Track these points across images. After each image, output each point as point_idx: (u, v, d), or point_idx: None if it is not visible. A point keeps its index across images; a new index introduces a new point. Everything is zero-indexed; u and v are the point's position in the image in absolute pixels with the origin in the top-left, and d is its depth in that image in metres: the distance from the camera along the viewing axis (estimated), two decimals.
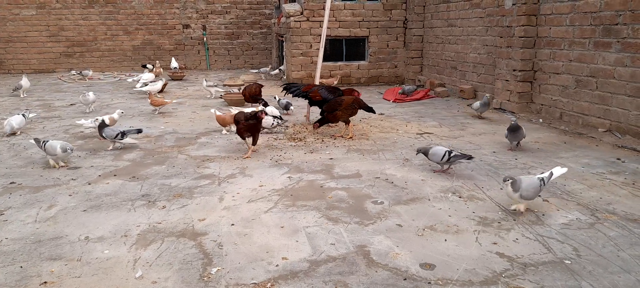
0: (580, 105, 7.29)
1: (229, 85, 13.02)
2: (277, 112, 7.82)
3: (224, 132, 7.25)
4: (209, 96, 11.02)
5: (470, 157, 5.24)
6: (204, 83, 11.07)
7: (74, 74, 15.17)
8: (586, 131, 6.99)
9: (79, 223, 4.04)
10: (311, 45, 12.44)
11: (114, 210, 4.30)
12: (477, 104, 8.08)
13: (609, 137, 6.62)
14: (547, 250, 3.46)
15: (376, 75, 12.80)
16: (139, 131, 6.74)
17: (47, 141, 5.57)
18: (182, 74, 14.49)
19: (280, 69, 14.78)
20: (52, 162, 5.60)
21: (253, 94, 8.88)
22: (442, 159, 5.13)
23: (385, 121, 8.19)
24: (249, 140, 6.06)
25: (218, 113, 7.07)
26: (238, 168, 5.55)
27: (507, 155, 5.97)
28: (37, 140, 5.71)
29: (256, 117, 5.90)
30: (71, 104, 10.16)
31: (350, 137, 6.88)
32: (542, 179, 4.10)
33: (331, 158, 5.90)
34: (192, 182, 5.08)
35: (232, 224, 3.96)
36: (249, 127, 5.93)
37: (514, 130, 6.09)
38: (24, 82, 11.10)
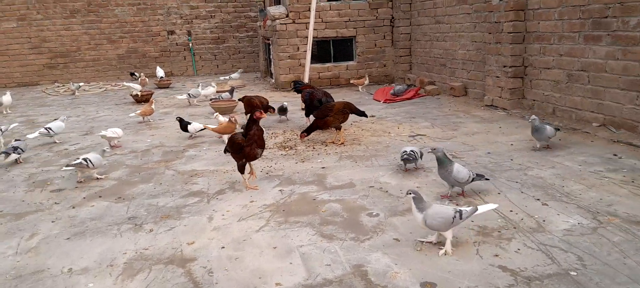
0: (573, 100, 7.20)
1: (218, 92, 12.83)
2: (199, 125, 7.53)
3: (224, 138, 6.84)
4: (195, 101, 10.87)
5: (486, 178, 4.65)
6: (198, 89, 10.92)
7: (58, 86, 14.89)
8: (580, 126, 6.91)
9: (62, 253, 3.85)
10: (298, 48, 12.27)
11: (99, 237, 4.11)
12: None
13: (604, 131, 6.54)
14: (551, 261, 3.34)
15: (365, 74, 12.63)
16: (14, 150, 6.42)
17: (89, 157, 5.60)
18: (168, 82, 14.26)
19: (231, 76, 14.56)
20: (97, 175, 5.74)
21: (262, 104, 8.06)
22: (467, 180, 4.48)
23: (377, 124, 8.06)
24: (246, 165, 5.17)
25: (211, 126, 6.96)
26: (227, 182, 5.38)
27: (502, 156, 5.85)
28: (79, 164, 5.55)
29: (254, 120, 5.02)
30: (55, 119, 9.89)
31: (342, 143, 6.73)
32: (459, 212, 3.51)
33: (323, 168, 5.75)
34: (180, 200, 4.90)
35: (223, 247, 3.80)
36: (259, 138, 5.04)
37: (537, 130, 5.80)
38: (6, 98, 10.82)
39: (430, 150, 5.17)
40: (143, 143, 7.45)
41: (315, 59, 12.18)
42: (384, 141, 6.84)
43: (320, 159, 6.12)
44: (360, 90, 11.74)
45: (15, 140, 6.84)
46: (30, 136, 7.60)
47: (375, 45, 12.66)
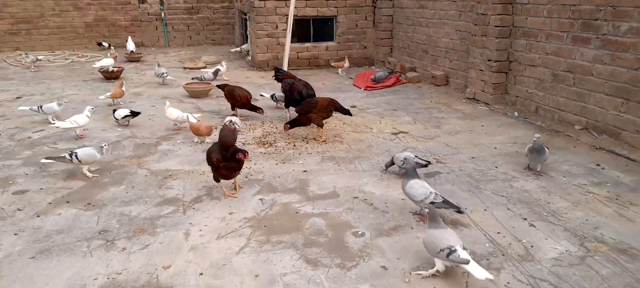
0: (557, 100, 7.13)
1: (190, 69, 12.36)
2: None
3: (196, 140, 6.55)
4: (161, 81, 10.45)
5: (459, 211, 4.24)
6: (162, 70, 10.44)
7: (20, 55, 14.04)
8: (562, 128, 6.86)
9: (26, 276, 3.57)
10: (277, 26, 11.84)
11: (67, 256, 3.84)
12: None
13: (586, 136, 6.51)
14: None
15: (345, 56, 12.34)
16: None
17: (76, 152, 5.33)
18: (139, 55, 13.64)
19: (242, 48, 14.13)
20: (87, 171, 5.44)
21: (246, 101, 7.53)
22: (422, 201, 4.23)
23: (358, 116, 7.85)
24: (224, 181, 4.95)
25: (192, 120, 6.47)
26: (204, 187, 5.12)
27: (487, 162, 5.76)
28: (62, 157, 5.37)
29: (236, 160, 4.70)
30: (17, 97, 9.33)
31: (324, 140, 6.52)
32: (450, 251, 3.30)
33: (305, 171, 5.54)
34: (154, 209, 4.63)
35: (201, 273, 3.58)
36: (231, 169, 4.78)
37: (537, 151, 5.25)
38: None
39: (402, 160, 5.09)
40: (113, 132, 7.07)
41: (293, 38, 11.77)
42: (366, 139, 6.65)
43: (302, 160, 5.90)
44: (340, 73, 11.48)
45: None
46: (21, 107, 7.57)
47: (356, 26, 12.33)
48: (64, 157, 5.35)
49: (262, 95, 8.72)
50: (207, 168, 5.46)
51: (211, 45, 17.02)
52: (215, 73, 9.99)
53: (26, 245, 4.01)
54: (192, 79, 10.02)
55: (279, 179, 5.32)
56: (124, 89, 8.60)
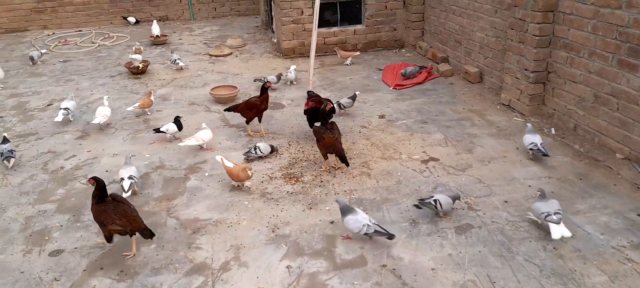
0: (598, 123, 6.75)
1: (216, 56, 12.19)
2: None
3: (235, 184, 6.20)
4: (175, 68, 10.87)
5: (390, 236, 4.96)
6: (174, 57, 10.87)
7: (49, 34, 14.04)
8: (603, 157, 6.51)
9: None
10: (302, 11, 11.42)
11: None
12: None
13: (628, 169, 6.18)
14: None
15: (374, 40, 11.92)
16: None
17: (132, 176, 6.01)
18: (164, 38, 13.48)
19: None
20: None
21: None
22: (359, 232, 4.97)
23: (387, 131, 7.65)
24: None
25: (227, 164, 6.11)
26: (232, 246, 5.15)
27: (520, 208, 5.55)
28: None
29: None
30: (48, 104, 9.43)
31: (325, 169, 6.54)
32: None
33: (332, 222, 5.48)
34: (184, 280, 4.70)
35: None
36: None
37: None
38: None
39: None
40: (142, 159, 7.10)
41: (320, 22, 11.31)
42: (394, 171, 6.49)
43: (329, 204, 5.82)
44: (346, 62, 11.11)
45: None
46: (57, 119, 8.03)
47: (386, 7, 11.77)
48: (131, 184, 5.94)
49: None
50: (234, 214, 5.57)
51: (236, 16, 16.67)
52: (279, 77, 9.70)
53: None
54: (254, 80, 9.93)
55: (306, 235, 5.29)
56: (152, 98, 8.57)
